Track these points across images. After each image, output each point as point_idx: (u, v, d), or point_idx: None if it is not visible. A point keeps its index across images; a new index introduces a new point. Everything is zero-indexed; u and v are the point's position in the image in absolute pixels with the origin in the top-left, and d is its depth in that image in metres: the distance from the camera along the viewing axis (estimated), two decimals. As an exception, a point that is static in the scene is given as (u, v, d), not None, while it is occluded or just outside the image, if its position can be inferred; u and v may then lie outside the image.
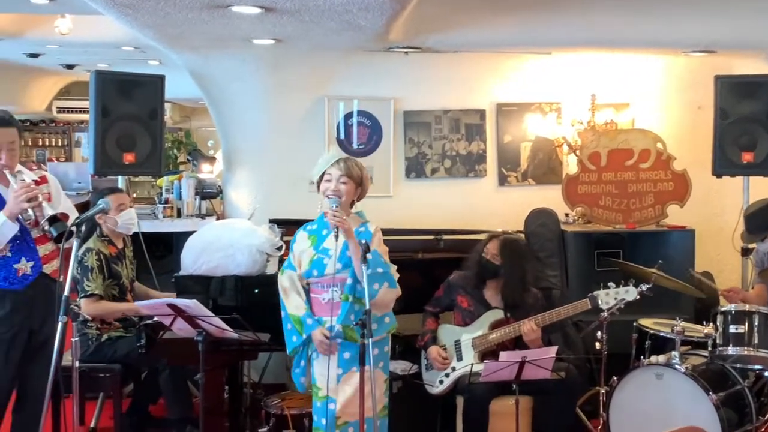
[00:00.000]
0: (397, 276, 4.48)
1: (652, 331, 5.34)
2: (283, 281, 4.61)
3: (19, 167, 4.63)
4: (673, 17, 5.91)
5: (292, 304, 4.53)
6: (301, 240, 4.63)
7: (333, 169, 4.48)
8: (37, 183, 4.66)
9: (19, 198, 4.41)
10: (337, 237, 4.27)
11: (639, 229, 6.67)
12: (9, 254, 4.56)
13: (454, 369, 5.29)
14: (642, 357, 5.26)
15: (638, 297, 5.18)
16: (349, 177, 4.47)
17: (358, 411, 4.30)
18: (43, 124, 16.80)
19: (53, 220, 4.37)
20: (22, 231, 4.54)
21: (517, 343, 5.29)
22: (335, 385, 4.44)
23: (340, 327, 4.36)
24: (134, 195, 7.66)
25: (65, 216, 4.50)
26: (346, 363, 4.46)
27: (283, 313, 4.58)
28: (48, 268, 4.65)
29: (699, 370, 5.00)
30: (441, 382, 5.32)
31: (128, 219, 5.56)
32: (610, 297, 5.17)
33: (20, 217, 4.50)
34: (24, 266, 4.59)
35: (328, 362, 4.41)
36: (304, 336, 4.46)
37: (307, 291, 4.58)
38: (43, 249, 4.66)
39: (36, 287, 4.61)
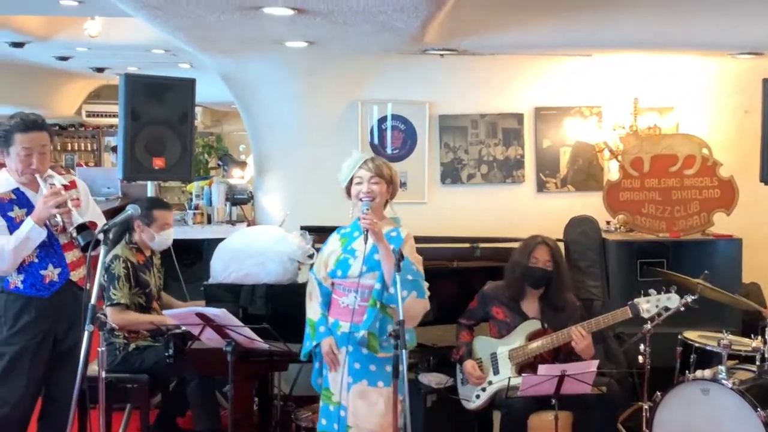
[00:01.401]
0: (426, 286, 4.45)
1: (697, 345, 5.27)
2: (309, 285, 4.68)
3: (49, 171, 4.68)
4: (719, 18, 5.83)
5: (311, 308, 4.59)
6: (333, 242, 4.64)
7: (362, 171, 4.45)
8: (66, 187, 4.71)
9: (48, 203, 4.46)
10: (366, 239, 4.25)
11: (684, 237, 6.57)
12: (36, 260, 4.60)
13: (490, 383, 5.23)
14: (687, 371, 5.19)
15: (682, 307, 5.11)
16: (380, 177, 4.45)
17: (370, 428, 4.35)
18: (73, 129, 16.98)
19: (81, 228, 4.38)
20: (49, 237, 4.59)
21: (556, 354, 5.23)
22: (346, 393, 4.45)
23: (366, 333, 4.33)
24: (164, 200, 7.69)
25: (94, 225, 4.53)
26: (356, 373, 4.44)
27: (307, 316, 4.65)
28: (75, 275, 4.68)
29: (747, 386, 4.91)
30: (477, 396, 5.26)
31: (166, 239, 5.59)
32: (651, 305, 5.09)
33: (47, 222, 4.54)
34: (51, 273, 4.62)
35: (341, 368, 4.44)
36: (315, 342, 4.50)
37: (331, 292, 4.58)
38: (71, 255, 4.70)
39: (62, 294, 4.65)
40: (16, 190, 4.61)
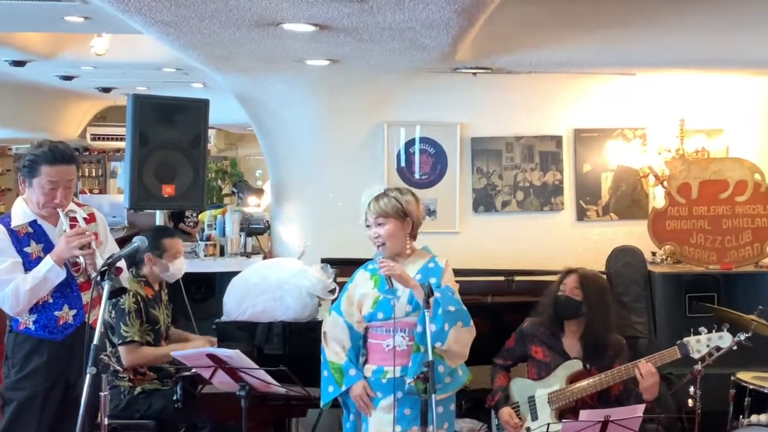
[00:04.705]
0: None
1: (752, 387, 5.21)
2: (325, 324, 4.63)
3: (70, 206, 4.63)
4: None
5: (332, 351, 4.54)
6: (363, 281, 4.59)
7: (368, 214, 4.48)
8: (85, 221, 4.67)
9: (72, 244, 4.40)
10: (391, 285, 4.28)
11: (736, 270, 6.53)
12: (50, 300, 4.54)
13: (528, 429, 5.16)
14: (741, 416, 5.15)
15: (735, 346, 5.03)
16: (384, 216, 4.44)
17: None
18: (77, 153, 17.01)
19: (104, 273, 4.31)
20: (66, 276, 4.53)
21: (600, 398, 5.15)
22: None
23: (412, 381, 4.26)
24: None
25: (119, 270, 4.45)
26: (406, 420, 4.38)
27: (322, 359, 4.57)
28: (91, 317, 4.59)
29: (808, 432, 4.85)
30: (514, 445, 5.19)
31: (179, 268, 5.59)
32: (702, 344, 5.01)
33: (66, 261, 4.49)
34: (66, 314, 4.57)
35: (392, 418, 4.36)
36: (343, 388, 4.45)
37: (365, 337, 4.54)
38: (88, 296, 4.61)
39: (76, 337, 4.55)
40: (32, 223, 4.55)
